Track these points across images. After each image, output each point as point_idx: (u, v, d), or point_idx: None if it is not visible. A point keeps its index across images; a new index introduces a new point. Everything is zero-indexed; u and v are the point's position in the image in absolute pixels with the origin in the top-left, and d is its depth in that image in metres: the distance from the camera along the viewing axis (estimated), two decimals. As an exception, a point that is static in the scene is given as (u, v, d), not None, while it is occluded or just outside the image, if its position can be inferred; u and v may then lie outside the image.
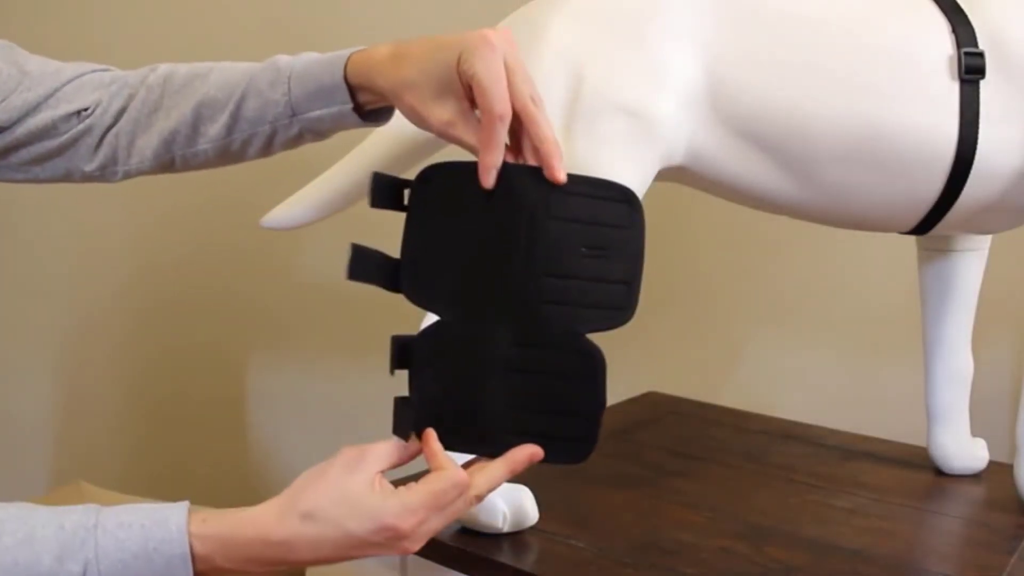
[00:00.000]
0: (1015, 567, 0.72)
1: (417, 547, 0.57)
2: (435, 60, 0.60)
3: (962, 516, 0.82)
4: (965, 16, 0.74)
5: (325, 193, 0.81)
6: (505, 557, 0.70)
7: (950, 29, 0.73)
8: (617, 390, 1.27)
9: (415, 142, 0.80)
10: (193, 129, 0.69)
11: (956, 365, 0.91)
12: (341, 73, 0.65)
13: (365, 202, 0.82)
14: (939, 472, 0.93)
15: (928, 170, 0.74)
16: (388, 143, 0.81)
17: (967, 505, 0.85)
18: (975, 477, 0.92)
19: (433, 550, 0.73)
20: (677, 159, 0.75)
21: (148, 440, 1.46)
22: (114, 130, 0.71)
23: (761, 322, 1.32)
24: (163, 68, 0.71)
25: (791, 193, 0.77)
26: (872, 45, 0.73)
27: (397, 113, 0.80)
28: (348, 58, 0.65)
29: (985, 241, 0.90)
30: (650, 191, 0.73)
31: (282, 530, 0.55)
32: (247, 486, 1.46)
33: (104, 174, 0.73)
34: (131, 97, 0.71)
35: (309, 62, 0.66)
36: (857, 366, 1.27)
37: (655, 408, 1.16)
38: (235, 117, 0.67)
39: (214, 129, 0.68)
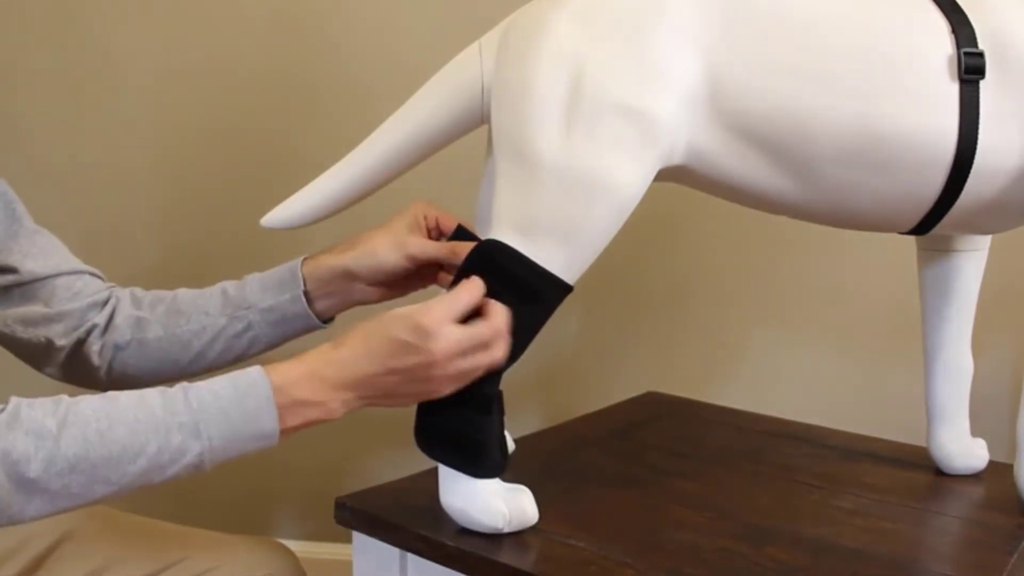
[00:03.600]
0: (1015, 567, 0.72)
1: (445, 387, 0.68)
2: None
3: (962, 516, 0.82)
4: (965, 16, 0.74)
5: (325, 193, 0.81)
6: (505, 557, 0.70)
7: (950, 29, 0.73)
8: (617, 390, 1.28)
9: (415, 143, 0.80)
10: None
11: (956, 365, 0.91)
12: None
13: (365, 202, 0.83)
14: (939, 472, 0.93)
15: (928, 170, 0.74)
16: (388, 144, 0.81)
17: (967, 505, 0.85)
18: (975, 477, 0.92)
19: (433, 550, 0.73)
20: (677, 159, 0.75)
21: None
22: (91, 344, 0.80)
23: (761, 322, 1.32)
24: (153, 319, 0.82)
25: (791, 193, 0.77)
26: (872, 45, 0.73)
27: (401, 112, 0.81)
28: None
29: (985, 241, 0.90)
30: (650, 191, 0.73)
31: (338, 350, 0.66)
32: (255, 502, 1.46)
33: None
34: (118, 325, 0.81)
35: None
36: (857, 366, 1.27)
37: (655, 408, 1.16)
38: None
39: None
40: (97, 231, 1.41)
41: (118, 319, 0.80)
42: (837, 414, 1.16)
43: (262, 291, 0.81)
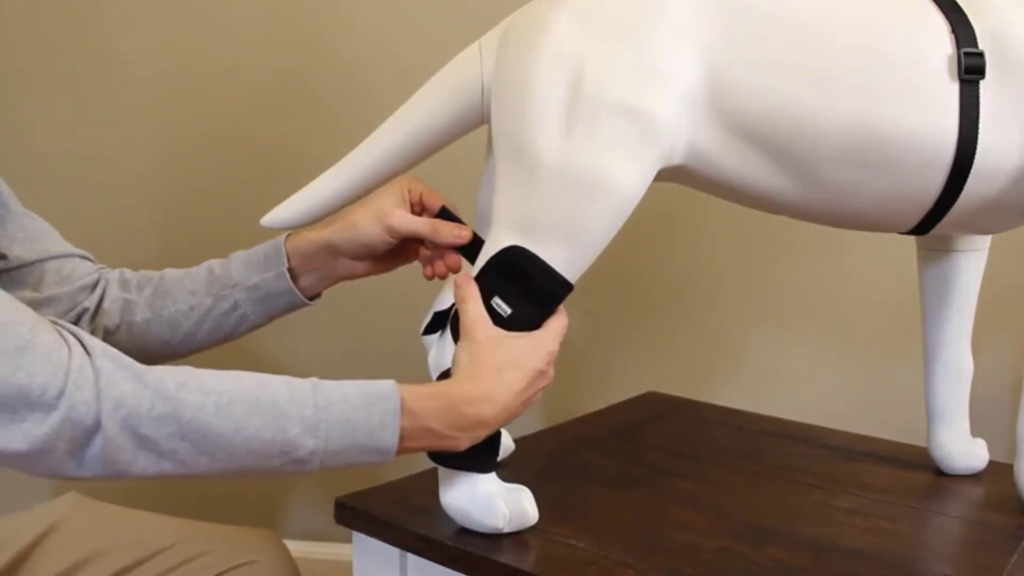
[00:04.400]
0: (1015, 567, 0.72)
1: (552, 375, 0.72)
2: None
3: (962, 516, 0.82)
4: (965, 16, 0.74)
5: (326, 193, 0.81)
6: (505, 557, 0.70)
7: (950, 29, 0.73)
8: (617, 390, 1.28)
9: (415, 144, 0.80)
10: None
11: (956, 365, 0.91)
12: (284, 269, 0.79)
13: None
14: (939, 472, 0.93)
15: (928, 170, 0.74)
16: (389, 143, 0.81)
17: (967, 505, 0.85)
18: (975, 477, 0.92)
19: (433, 550, 0.73)
20: (677, 159, 0.75)
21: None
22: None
23: (761, 322, 1.32)
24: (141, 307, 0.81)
25: (791, 193, 0.77)
26: (872, 46, 0.73)
27: (401, 112, 0.81)
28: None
29: (985, 241, 0.90)
30: (650, 191, 0.73)
31: (478, 387, 0.67)
32: (255, 502, 1.46)
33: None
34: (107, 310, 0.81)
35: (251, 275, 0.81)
36: (857, 366, 1.27)
37: (655, 408, 1.16)
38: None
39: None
40: (97, 229, 1.41)
41: (107, 303, 0.80)
42: (837, 414, 1.16)
43: (247, 268, 0.81)
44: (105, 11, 1.39)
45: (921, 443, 0.96)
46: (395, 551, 0.78)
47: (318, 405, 0.60)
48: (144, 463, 0.56)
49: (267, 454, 0.59)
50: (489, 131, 0.78)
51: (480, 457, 0.73)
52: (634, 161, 0.71)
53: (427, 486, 0.78)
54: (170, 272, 0.83)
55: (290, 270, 0.80)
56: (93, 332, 0.80)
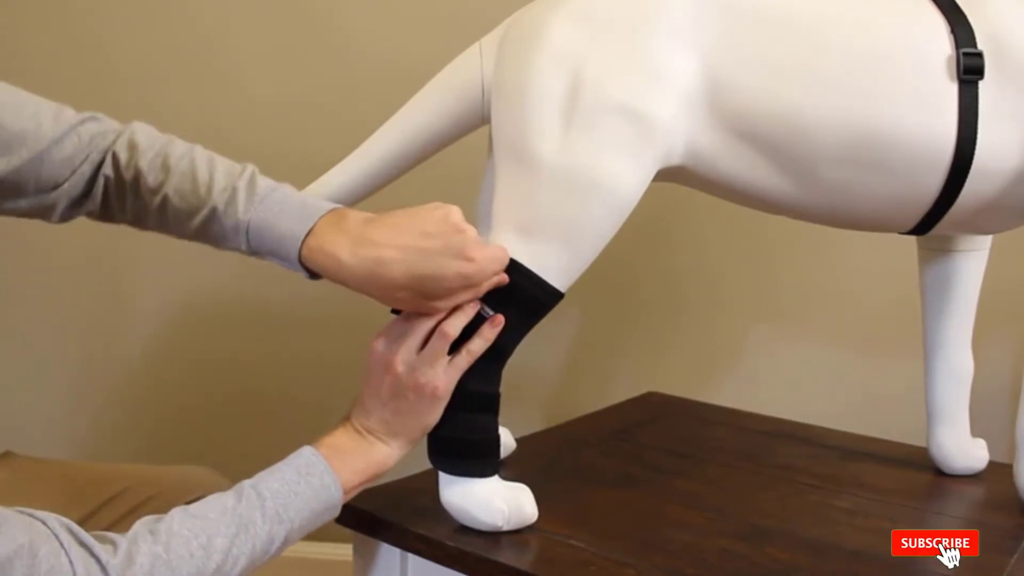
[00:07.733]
0: (1015, 567, 0.72)
1: (430, 381, 0.70)
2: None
3: (962, 516, 0.83)
4: (964, 16, 0.74)
5: (327, 193, 0.81)
6: (505, 557, 0.70)
7: (949, 29, 0.73)
8: (617, 390, 1.28)
9: (416, 144, 0.80)
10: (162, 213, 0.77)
11: (956, 365, 0.91)
12: (296, 255, 0.72)
13: (365, 202, 0.83)
14: (939, 472, 0.93)
15: (927, 170, 0.74)
16: (390, 144, 0.81)
17: (967, 505, 0.85)
18: (975, 477, 0.92)
19: (433, 550, 0.73)
20: (676, 159, 0.75)
21: (154, 440, 1.46)
22: (99, 182, 0.76)
23: (761, 322, 1.32)
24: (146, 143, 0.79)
25: (790, 193, 0.77)
26: (871, 46, 0.73)
27: (403, 112, 0.80)
28: (301, 245, 0.71)
29: (986, 241, 0.90)
30: (649, 191, 0.73)
31: (358, 400, 0.73)
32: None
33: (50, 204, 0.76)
34: (119, 160, 0.77)
35: (268, 219, 0.72)
36: (857, 366, 1.27)
37: (655, 408, 1.17)
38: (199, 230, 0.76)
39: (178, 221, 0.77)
40: (95, 231, 1.41)
41: (113, 205, 0.77)
42: (837, 414, 1.16)
43: (262, 246, 0.72)
44: (102, 15, 1.39)
45: (921, 443, 0.96)
46: (395, 551, 0.78)
47: (267, 499, 0.66)
48: None
49: (255, 559, 0.65)
50: (490, 132, 0.78)
51: (479, 463, 0.73)
52: (633, 162, 0.71)
53: (427, 486, 0.78)
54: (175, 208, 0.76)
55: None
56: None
